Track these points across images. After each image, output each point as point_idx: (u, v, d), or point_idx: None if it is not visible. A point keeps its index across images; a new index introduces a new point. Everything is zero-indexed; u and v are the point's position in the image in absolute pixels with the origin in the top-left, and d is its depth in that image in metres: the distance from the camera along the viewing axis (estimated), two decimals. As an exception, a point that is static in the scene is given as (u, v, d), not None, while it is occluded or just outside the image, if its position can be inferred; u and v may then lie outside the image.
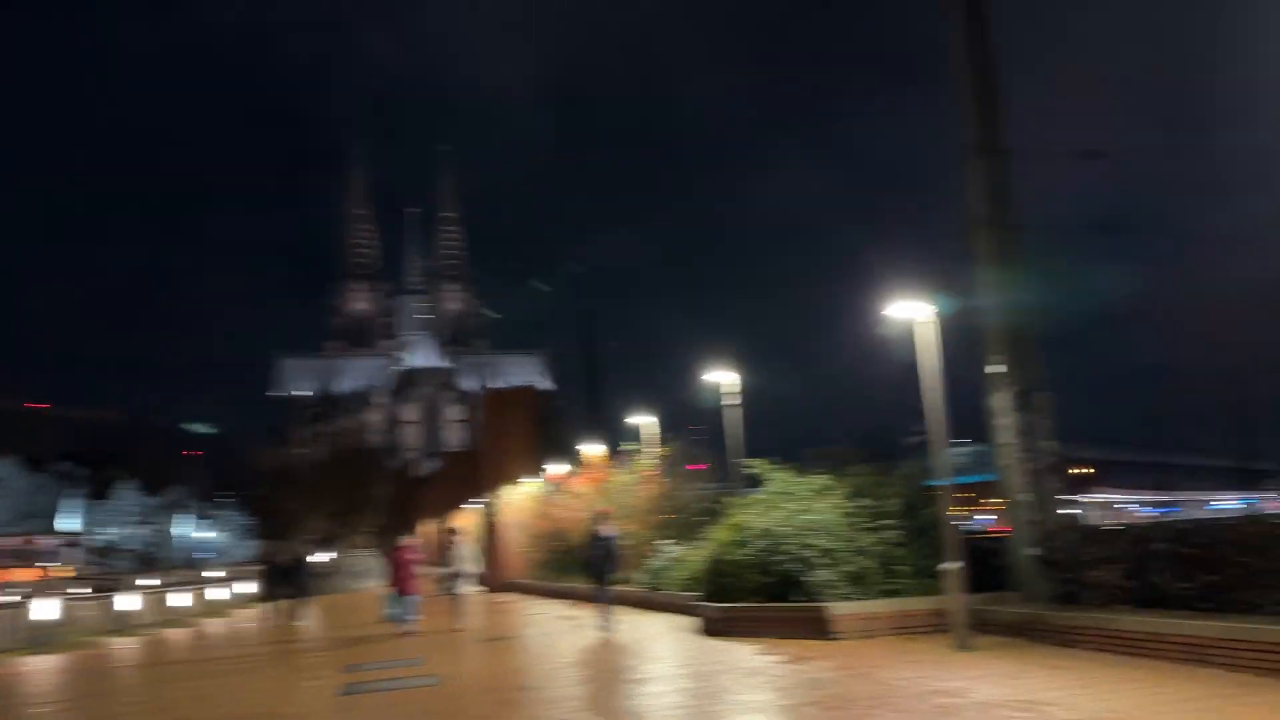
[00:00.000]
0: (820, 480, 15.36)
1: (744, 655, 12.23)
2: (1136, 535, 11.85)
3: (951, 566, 11.82)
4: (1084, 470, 77.45)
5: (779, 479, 15.83)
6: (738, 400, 20.38)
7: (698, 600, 15.69)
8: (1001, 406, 13.17)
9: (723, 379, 20.92)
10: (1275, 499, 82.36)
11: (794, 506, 14.81)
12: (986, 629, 11.85)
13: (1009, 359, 13.18)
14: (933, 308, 12.65)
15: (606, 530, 17.31)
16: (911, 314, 12.72)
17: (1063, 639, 11.07)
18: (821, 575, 13.54)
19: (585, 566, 17.78)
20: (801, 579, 13.64)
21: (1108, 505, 77.55)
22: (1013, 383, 13.11)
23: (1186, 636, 9.38)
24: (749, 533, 14.79)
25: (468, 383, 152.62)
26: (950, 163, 14.16)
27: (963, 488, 14.43)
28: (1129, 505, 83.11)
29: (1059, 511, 13.12)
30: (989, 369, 13.32)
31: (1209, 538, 10.44)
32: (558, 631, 17.85)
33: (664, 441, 24.72)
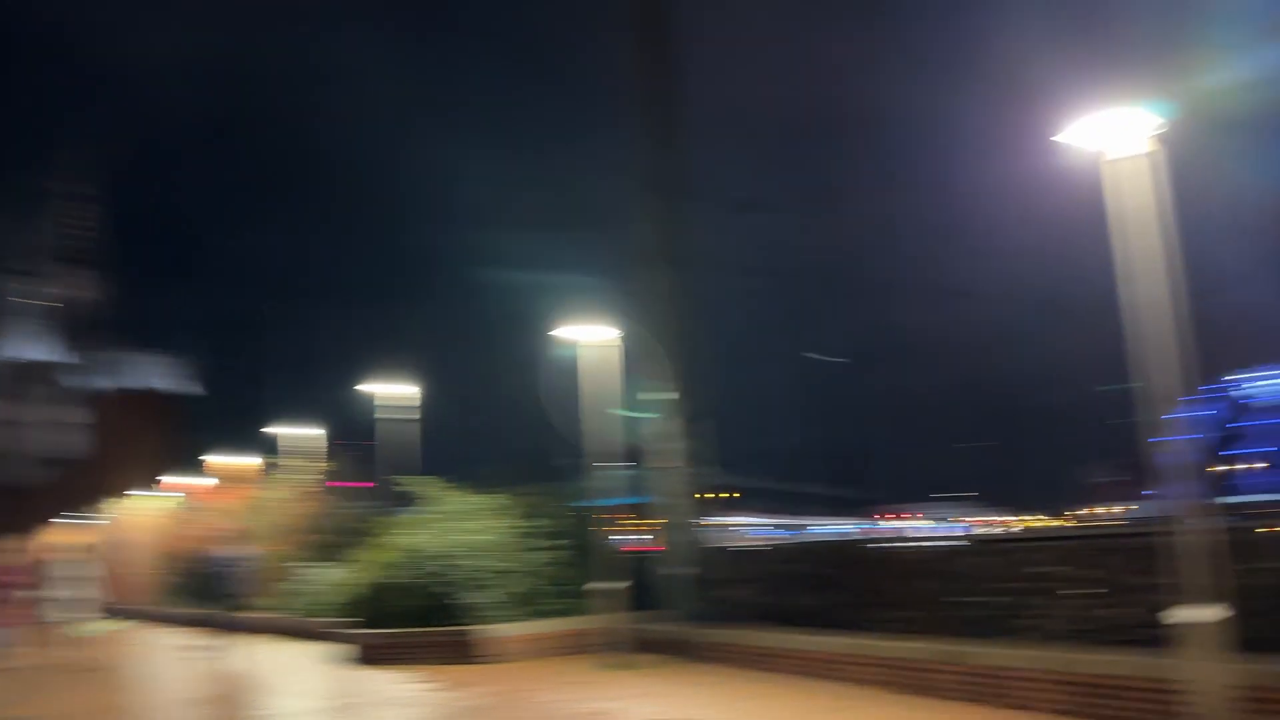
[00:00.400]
0: (493, 500, 15.11)
1: (396, 684, 11.61)
2: (776, 556, 12.83)
3: (613, 586, 12.05)
4: (729, 495, 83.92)
5: (451, 498, 15.35)
6: (414, 415, 19.64)
7: (354, 627, 14.77)
8: (662, 432, 13.73)
9: (385, 392, 20.07)
10: (867, 525, 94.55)
11: (466, 526, 14.42)
12: (645, 647, 12.21)
13: (672, 386, 13.80)
14: (599, 332, 12.93)
15: (233, 550, 16.17)
16: (578, 338, 12.95)
17: (714, 655, 11.67)
18: (491, 596, 13.30)
19: (209, 590, 16.39)
20: (469, 601, 13.27)
21: (741, 528, 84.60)
22: (675, 409, 13.74)
23: (822, 652, 10.19)
24: (418, 554, 14.15)
25: (89, 381, 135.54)
26: (630, 197, 14.66)
27: (625, 508, 14.92)
28: (760, 529, 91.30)
29: (709, 533, 13.93)
30: (650, 394, 13.87)
31: (837, 560, 11.51)
32: (181, 663, 16.01)
33: (328, 456, 23.35)
